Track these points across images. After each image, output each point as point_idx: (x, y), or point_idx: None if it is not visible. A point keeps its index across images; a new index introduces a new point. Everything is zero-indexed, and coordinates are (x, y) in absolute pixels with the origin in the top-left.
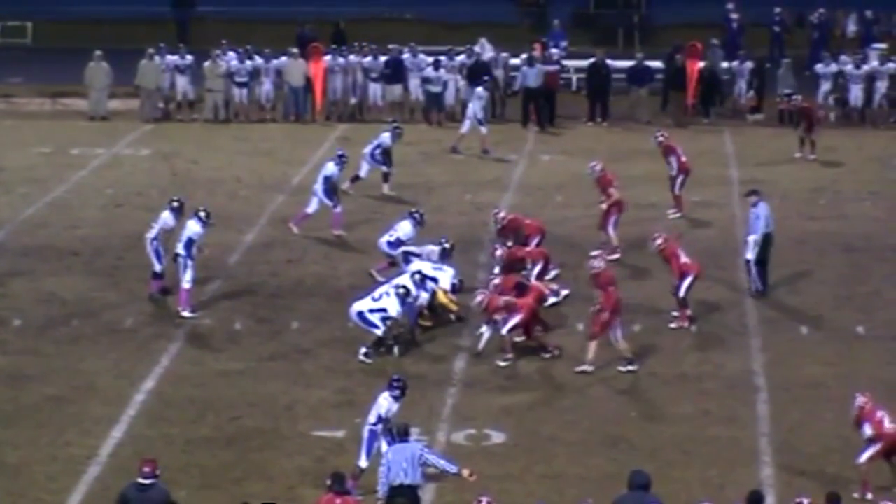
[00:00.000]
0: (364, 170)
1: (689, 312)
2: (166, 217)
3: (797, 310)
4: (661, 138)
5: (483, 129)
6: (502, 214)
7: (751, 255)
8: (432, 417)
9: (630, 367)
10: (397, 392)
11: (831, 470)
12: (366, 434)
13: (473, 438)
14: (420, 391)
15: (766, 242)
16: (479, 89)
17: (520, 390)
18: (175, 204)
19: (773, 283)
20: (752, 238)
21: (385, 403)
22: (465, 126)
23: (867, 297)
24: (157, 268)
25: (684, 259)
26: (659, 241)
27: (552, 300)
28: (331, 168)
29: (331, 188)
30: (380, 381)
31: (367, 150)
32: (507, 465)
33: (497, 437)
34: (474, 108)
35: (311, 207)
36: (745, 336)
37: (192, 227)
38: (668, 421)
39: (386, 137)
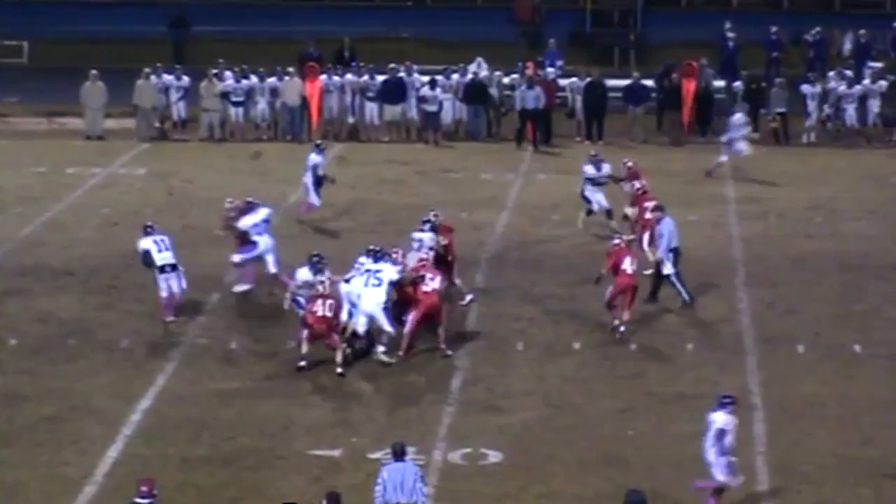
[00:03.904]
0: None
1: (616, 322)
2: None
3: (794, 328)
4: (629, 164)
5: None
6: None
7: (670, 269)
8: (428, 437)
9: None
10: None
11: (827, 489)
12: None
13: (470, 458)
14: (416, 410)
15: (676, 255)
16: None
17: (516, 409)
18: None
19: (769, 302)
20: (663, 254)
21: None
22: None
23: (864, 315)
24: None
25: (626, 268)
26: (616, 241)
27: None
28: (314, 158)
29: (317, 179)
30: (377, 401)
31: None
32: (503, 484)
33: (494, 457)
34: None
35: (314, 199)
36: (741, 355)
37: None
38: (665, 440)
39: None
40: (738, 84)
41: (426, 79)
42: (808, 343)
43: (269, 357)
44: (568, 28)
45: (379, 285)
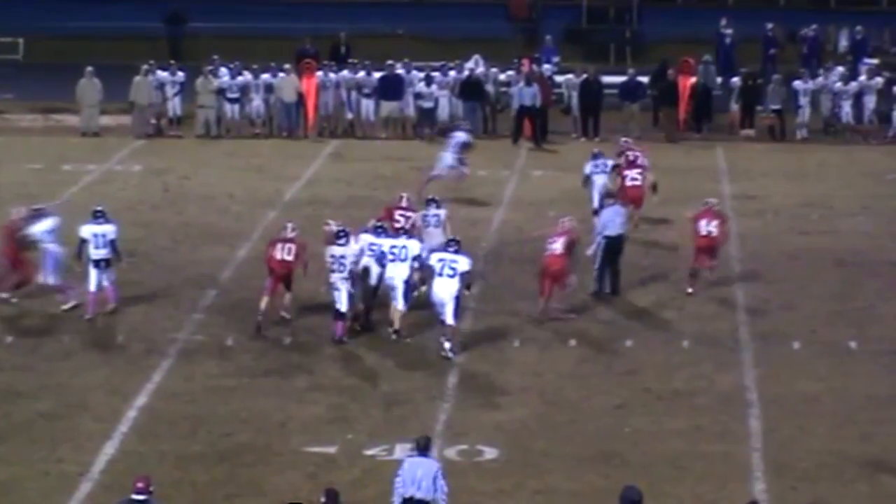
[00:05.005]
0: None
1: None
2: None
3: (789, 325)
4: (624, 140)
5: None
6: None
7: (590, 250)
8: (424, 433)
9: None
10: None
11: (824, 485)
12: None
13: (466, 454)
14: (412, 406)
15: (609, 246)
16: None
17: (512, 406)
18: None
19: (765, 298)
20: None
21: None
22: None
23: (860, 312)
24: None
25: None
26: (565, 220)
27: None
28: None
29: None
30: (373, 397)
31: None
32: (499, 480)
33: (490, 453)
34: None
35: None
36: (737, 351)
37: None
38: (660, 436)
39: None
40: (734, 80)
41: (422, 75)
42: (803, 340)
43: (265, 353)
44: (564, 24)
45: (453, 276)
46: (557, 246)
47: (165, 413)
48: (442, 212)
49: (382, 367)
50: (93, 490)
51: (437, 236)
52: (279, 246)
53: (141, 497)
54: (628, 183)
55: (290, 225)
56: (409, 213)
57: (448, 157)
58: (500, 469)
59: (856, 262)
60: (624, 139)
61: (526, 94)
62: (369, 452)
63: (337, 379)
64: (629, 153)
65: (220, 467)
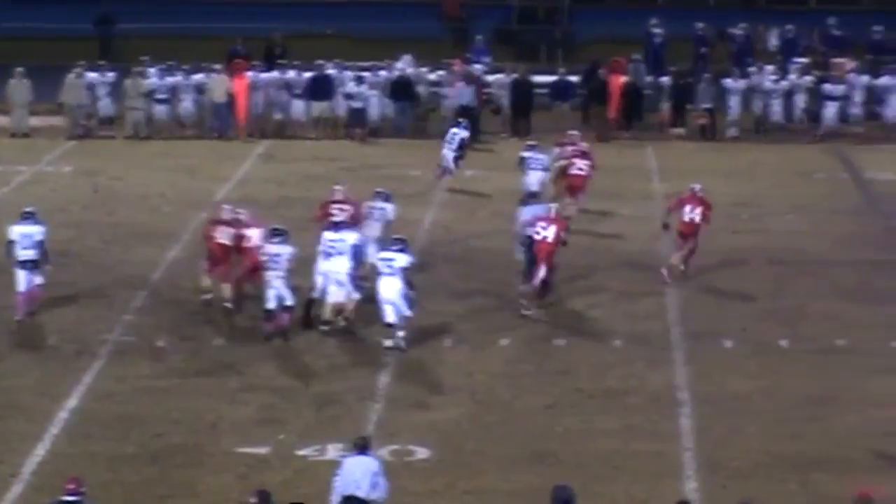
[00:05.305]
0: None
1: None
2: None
3: (721, 324)
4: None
5: None
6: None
7: (517, 254)
8: (357, 433)
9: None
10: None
11: (755, 484)
12: None
13: (397, 454)
14: (344, 407)
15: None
16: None
17: (444, 406)
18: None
19: (697, 297)
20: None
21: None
22: None
23: (790, 310)
24: None
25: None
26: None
27: None
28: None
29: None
30: (304, 397)
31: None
32: (431, 480)
33: (421, 453)
34: None
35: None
36: (668, 350)
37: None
38: (592, 435)
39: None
40: (665, 79)
41: (353, 75)
42: (735, 338)
43: (196, 354)
44: (494, 24)
45: (392, 274)
46: (549, 233)
47: (97, 414)
48: (388, 206)
49: (314, 367)
50: (24, 491)
51: (375, 230)
52: (221, 229)
53: (72, 498)
54: (573, 171)
55: (228, 207)
56: (345, 206)
57: (449, 154)
58: (432, 469)
59: (787, 261)
60: (572, 132)
61: (466, 94)
62: (301, 453)
63: (268, 379)
64: (581, 144)
65: (151, 468)
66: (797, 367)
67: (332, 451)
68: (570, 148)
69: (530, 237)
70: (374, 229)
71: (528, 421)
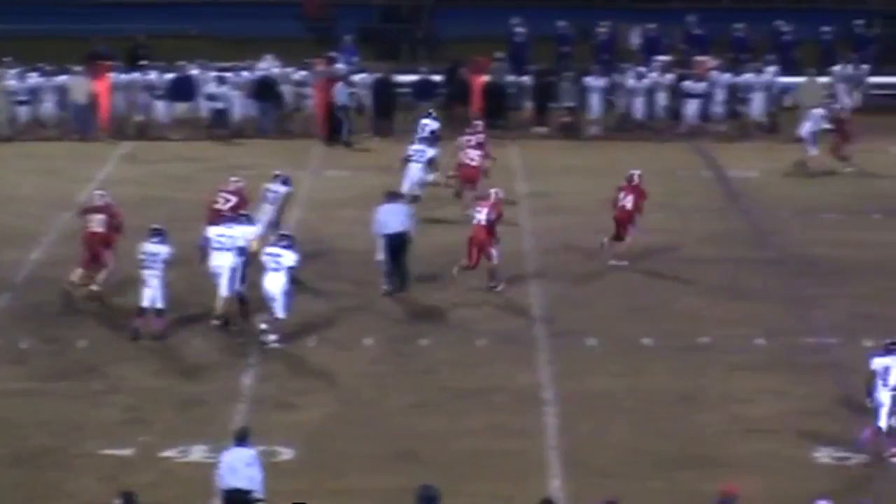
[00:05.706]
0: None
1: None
2: None
3: (584, 322)
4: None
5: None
6: None
7: (378, 255)
8: (220, 434)
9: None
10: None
11: (620, 482)
12: None
13: (262, 455)
14: (209, 407)
15: (389, 245)
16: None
17: (309, 406)
18: None
19: (561, 296)
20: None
21: None
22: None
23: (654, 308)
24: None
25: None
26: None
27: None
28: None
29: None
30: (168, 398)
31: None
32: (296, 481)
33: (286, 454)
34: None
35: None
36: (533, 349)
37: None
38: (458, 434)
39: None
40: (527, 78)
41: (215, 75)
42: (599, 337)
43: (59, 356)
44: (357, 24)
45: (278, 270)
46: (482, 216)
47: None
48: (283, 189)
49: (179, 367)
50: None
51: (268, 212)
52: (92, 217)
53: None
54: (465, 161)
55: (99, 193)
56: (230, 197)
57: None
58: (297, 469)
59: (651, 259)
60: (476, 122)
61: (343, 93)
62: (165, 454)
63: (132, 380)
64: (479, 135)
65: (16, 471)
66: (660, 364)
67: (197, 452)
68: (464, 139)
69: (386, 236)
70: (265, 212)
71: (394, 420)
